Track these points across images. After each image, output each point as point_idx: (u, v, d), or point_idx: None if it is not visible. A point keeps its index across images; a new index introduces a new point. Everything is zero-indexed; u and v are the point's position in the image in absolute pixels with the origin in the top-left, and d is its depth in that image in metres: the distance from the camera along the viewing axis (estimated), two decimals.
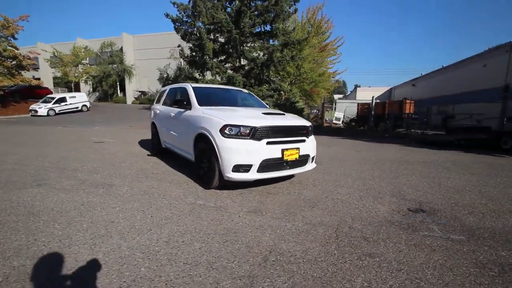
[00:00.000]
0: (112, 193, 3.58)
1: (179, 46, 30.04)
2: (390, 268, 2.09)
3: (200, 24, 15.25)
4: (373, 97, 16.92)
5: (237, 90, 5.92)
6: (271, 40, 17.31)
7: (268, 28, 16.57)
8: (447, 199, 3.80)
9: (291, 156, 3.65)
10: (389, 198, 3.73)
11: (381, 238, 2.56)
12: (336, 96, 47.37)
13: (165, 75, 29.72)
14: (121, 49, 33.93)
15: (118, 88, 35.63)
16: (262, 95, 15.92)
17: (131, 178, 4.34)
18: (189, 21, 16.59)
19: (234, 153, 3.37)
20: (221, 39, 16.91)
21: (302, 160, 3.86)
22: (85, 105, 22.79)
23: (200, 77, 17.59)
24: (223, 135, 3.44)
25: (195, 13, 15.39)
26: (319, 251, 2.30)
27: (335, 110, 24.02)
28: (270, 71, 16.23)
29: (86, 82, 34.72)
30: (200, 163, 4.00)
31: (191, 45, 17.01)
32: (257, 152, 3.40)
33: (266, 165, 3.47)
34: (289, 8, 16.48)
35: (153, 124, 6.39)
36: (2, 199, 3.28)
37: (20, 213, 2.89)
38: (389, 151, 8.34)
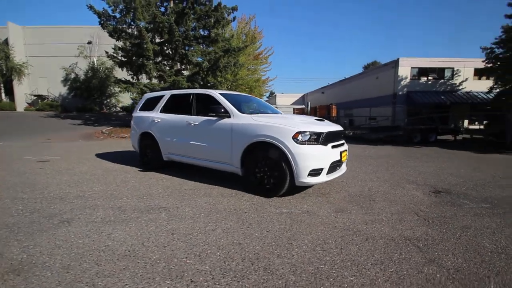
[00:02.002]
0: (180, 216, 3.09)
1: (89, 42, 26.15)
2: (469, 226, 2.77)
3: (142, 23, 13.71)
4: (308, 102, 19.12)
5: (248, 96, 5.88)
6: (211, 47, 17.19)
7: (206, 33, 16.41)
8: (441, 181, 4.99)
9: (344, 157, 4.05)
10: (409, 185, 4.62)
11: (442, 213, 3.27)
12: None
13: (72, 76, 24.85)
14: (6, 41, 26.02)
15: (3, 91, 27.11)
16: None
17: (174, 197, 3.76)
18: (118, 16, 14.66)
19: (310, 159, 3.50)
20: (157, 40, 15.66)
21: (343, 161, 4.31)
22: None
23: (134, 80, 15.75)
24: (296, 142, 3.52)
25: (130, 9, 13.75)
26: (431, 230, 2.77)
27: None
28: (216, 77, 16.09)
29: None
30: (254, 173, 3.88)
31: (118, 43, 15.05)
32: (326, 156, 3.64)
33: (330, 167, 3.75)
34: (228, 15, 16.83)
35: (144, 135, 5.56)
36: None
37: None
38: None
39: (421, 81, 22.29)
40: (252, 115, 4.15)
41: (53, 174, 5.06)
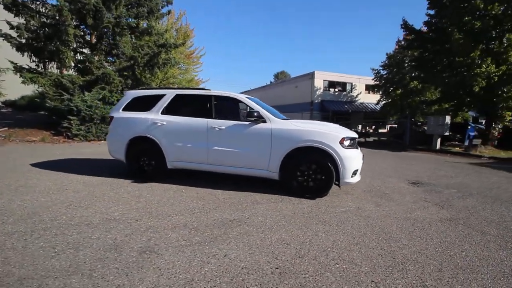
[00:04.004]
0: (262, 226, 2.97)
1: None
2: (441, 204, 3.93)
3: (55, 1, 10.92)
4: None
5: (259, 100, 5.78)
6: (142, 40, 15.40)
7: (145, 24, 14.71)
8: (406, 175, 6.41)
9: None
10: (390, 179, 5.76)
11: (439, 198, 4.39)
12: None
13: None
14: None
15: None
16: None
17: (228, 209, 3.48)
18: None
19: (353, 161, 3.97)
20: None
21: None
22: None
23: (41, 69, 12.41)
24: (342, 147, 3.92)
25: None
26: (444, 208, 3.72)
27: None
28: (154, 73, 14.55)
29: None
30: (296, 177, 4.05)
31: (21, 20, 11.60)
32: (360, 158, 4.20)
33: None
34: (162, 8, 15.56)
35: (137, 140, 4.73)
36: None
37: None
38: None
39: (330, 92, 26.62)
40: (289, 121, 4.30)
41: (44, 195, 3.68)
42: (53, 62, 12.50)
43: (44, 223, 2.82)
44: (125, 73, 13.63)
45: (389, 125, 25.29)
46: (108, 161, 6.70)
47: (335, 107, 25.22)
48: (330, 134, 3.96)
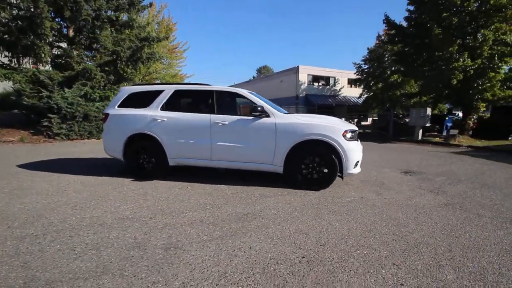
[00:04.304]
0: (278, 218, 3.04)
1: None
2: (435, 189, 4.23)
3: None
4: None
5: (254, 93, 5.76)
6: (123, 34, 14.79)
7: (125, 17, 14.11)
8: (397, 165, 6.72)
9: None
10: (384, 170, 6.02)
11: (432, 184, 4.67)
12: None
13: None
14: None
15: None
16: None
17: (239, 203, 3.51)
18: None
19: (355, 152, 4.12)
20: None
21: None
22: None
23: (15, 65, 11.64)
24: (345, 139, 4.06)
25: None
26: (438, 194, 3.98)
27: None
28: (138, 68, 14.07)
29: None
30: (300, 170, 4.15)
31: None
32: (360, 150, 4.36)
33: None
34: (143, 0, 15.01)
35: (135, 137, 4.62)
36: None
37: None
38: None
39: (314, 86, 27.04)
40: (292, 115, 4.37)
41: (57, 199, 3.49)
42: (28, 57, 11.75)
43: (54, 225, 2.72)
44: (107, 68, 13.08)
45: (371, 118, 26.16)
46: (100, 159, 6.48)
47: (320, 101, 25.69)
48: (334, 127, 4.08)
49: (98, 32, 12.34)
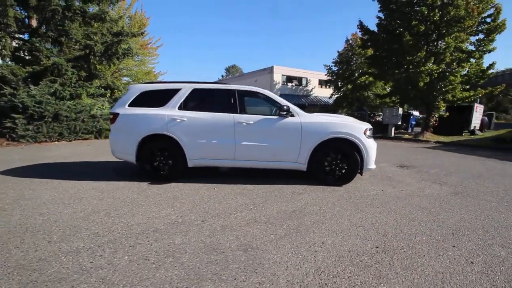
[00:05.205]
0: (328, 214, 3.16)
1: None
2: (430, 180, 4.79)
3: None
4: None
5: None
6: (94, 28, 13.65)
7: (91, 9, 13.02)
8: (390, 160, 7.26)
9: None
10: (381, 164, 6.48)
11: (429, 175, 5.19)
12: None
13: None
14: None
15: None
16: (93, 93, 12.59)
17: (276, 202, 3.54)
18: None
19: (374, 149, 4.41)
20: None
21: None
22: None
23: None
24: (366, 137, 4.32)
25: None
26: (435, 183, 4.47)
27: None
28: (112, 64, 13.10)
29: None
30: (324, 166, 4.32)
31: None
32: (376, 147, 4.67)
33: None
34: None
35: (150, 138, 4.37)
36: None
37: None
38: None
39: (288, 86, 27.74)
40: (313, 114, 4.52)
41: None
42: None
43: (103, 236, 2.49)
44: (78, 63, 11.99)
45: None
46: (92, 163, 6.00)
47: (294, 101, 26.38)
48: (355, 126, 4.32)
49: (68, 24, 11.20)
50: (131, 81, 20.16)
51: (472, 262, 2.16)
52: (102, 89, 13.40)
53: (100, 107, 12.26)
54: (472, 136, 14.28)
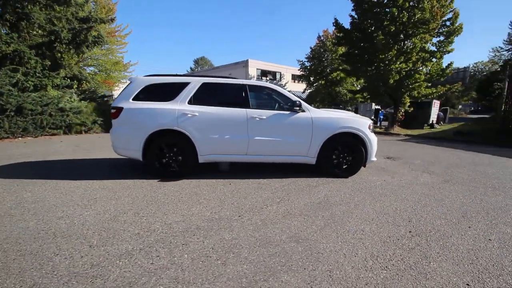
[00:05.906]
0: (353, 204, 3.37)
1: None
2: (417, 170, 5.39)
3: None
4: None
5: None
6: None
7: None
8: (380, 152, 7.77)
9: None
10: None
11: (416, 165, 5.74)
12: None
13: None
14: None
15: None
16: (58, 84, 11.54)
17: (298, 195, 3.66)
18: None
19: (375, 143, 4.76)
20: None
21: None
22: None
23: None
24: (370, 131, 4.63)
25: None
26: (426, 172, 5.00)
27: None
28: (81, 52, 12.00)
29: None
30: (332, 159, 4.56)
31: None
32: (377, 140, 5.02)
33: None
34: None
35: (159, 134, 4.21)
36: None
37: None
38: None
39: (263, 80, 27.89)
40: (319, 109, 4.72)
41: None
42: None
43: (147, 237, 2.40)
44: (41, 51, 10.80)
45: None
46: (77, 161, 5.56)
47: None
48: (361, 121, 4.60)
49: (29, 6, 9.96)
50: (97, 71, 18.67)
51: (490, 239, 2.51)
52: (68, 80, 12.27)
53: (68, 100, 11.24)
54: (432, 129, 15.85)
